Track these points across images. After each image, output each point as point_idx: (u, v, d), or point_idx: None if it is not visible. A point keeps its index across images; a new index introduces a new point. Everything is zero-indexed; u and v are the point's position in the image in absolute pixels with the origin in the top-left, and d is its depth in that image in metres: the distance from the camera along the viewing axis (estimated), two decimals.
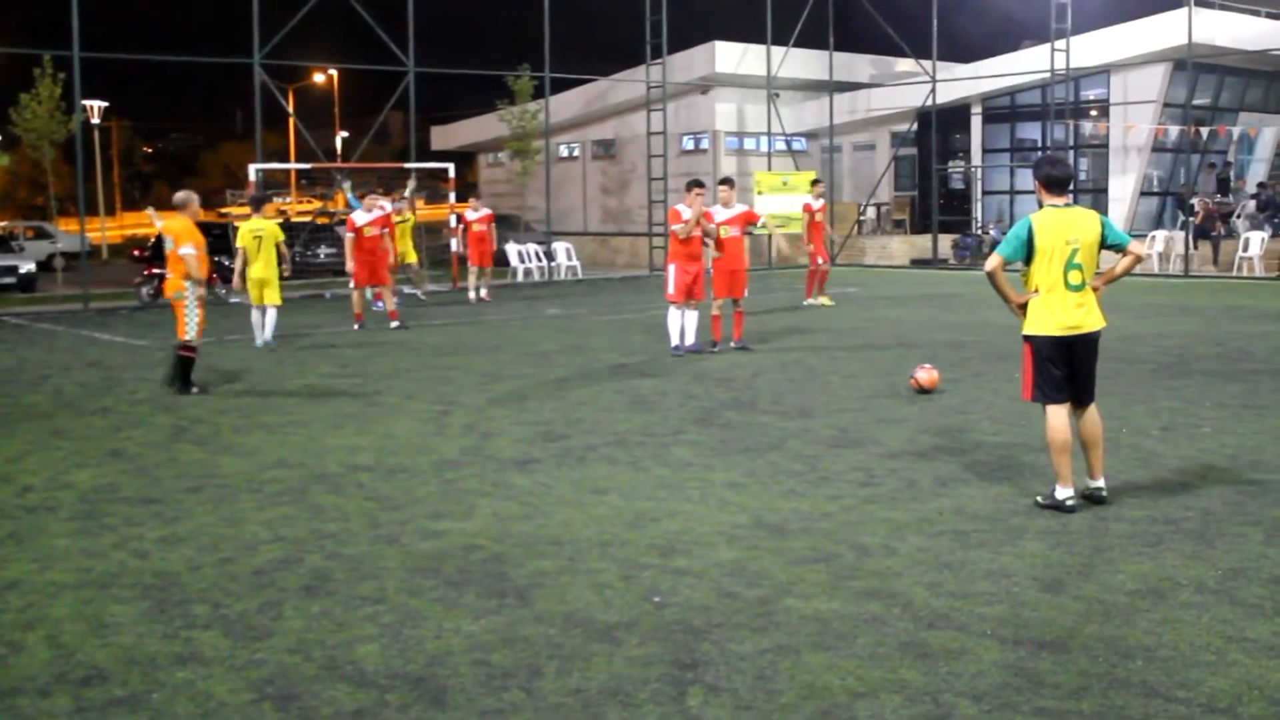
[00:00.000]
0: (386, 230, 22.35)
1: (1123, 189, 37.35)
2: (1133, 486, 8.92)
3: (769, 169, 39.13)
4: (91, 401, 14.07)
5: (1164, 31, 35.04)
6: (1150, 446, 10.30)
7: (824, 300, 24.05)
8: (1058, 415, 8.47)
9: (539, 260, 35.22)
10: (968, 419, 11.81)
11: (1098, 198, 38.46)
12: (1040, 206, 8.22)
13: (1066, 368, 8.43)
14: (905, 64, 42.09)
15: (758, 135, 42.04)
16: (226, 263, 31.26)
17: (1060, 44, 35.38)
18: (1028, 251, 8.39)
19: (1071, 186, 9.04)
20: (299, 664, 5.90)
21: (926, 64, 38.63)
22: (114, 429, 12.34)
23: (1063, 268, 8.31)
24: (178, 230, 14.27)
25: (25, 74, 31.48)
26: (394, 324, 21.81)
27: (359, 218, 22.14)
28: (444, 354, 17.95)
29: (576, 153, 48.71)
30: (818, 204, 24.35)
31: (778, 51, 39.03)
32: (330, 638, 6.22)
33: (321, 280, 32.46)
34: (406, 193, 29.41)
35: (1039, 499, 8.63)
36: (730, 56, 41.39)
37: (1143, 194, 37.73)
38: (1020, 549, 7.52)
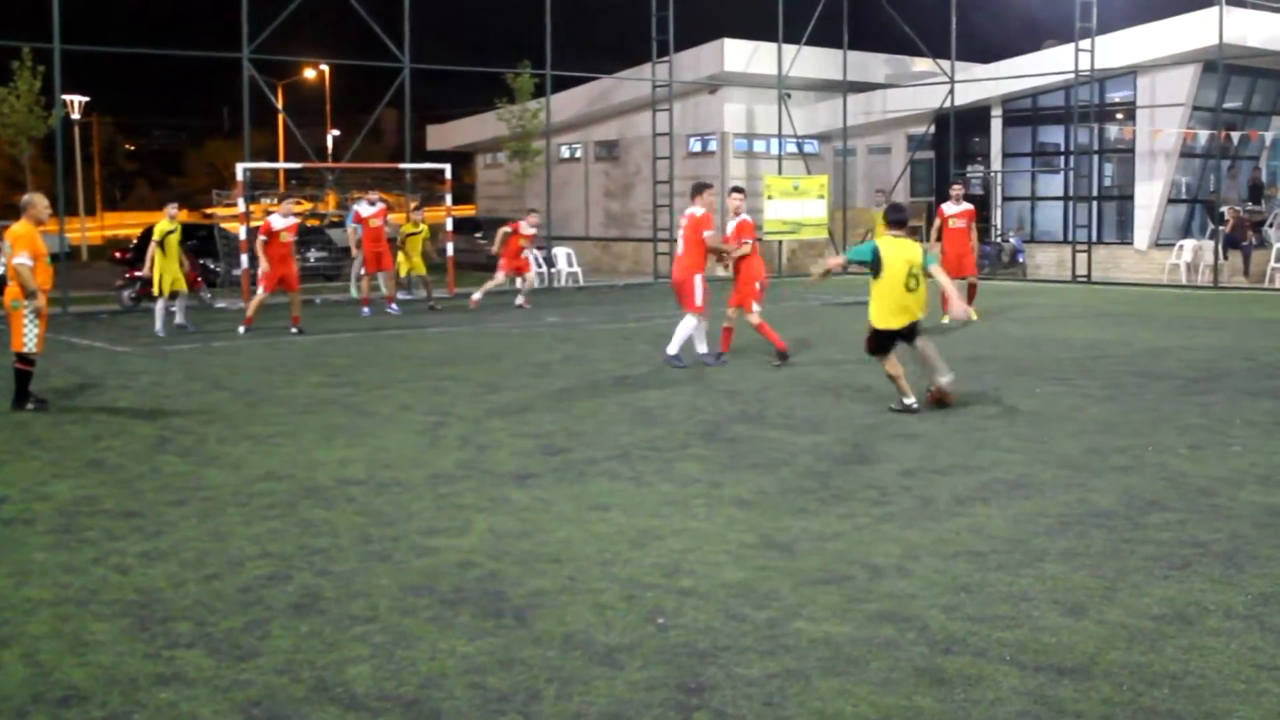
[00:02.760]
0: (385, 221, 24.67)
1: (1149, 196, 36.28)
2: (1159, 507, 8.85)
3: (779, 172, 38.68)
4: (70, 409, 13.87)
5: (1194, 31, 33.87)
6: (1178, 465, 10.21)
7: (972, 314, 22.29)
8: (888, 358, 12.83)
9: (539, 266, 34.63)
10: (985, 435, 11.68)
11: (1123, 205, 37.77)
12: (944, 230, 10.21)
13: (898, 339, 12.80)
14: (923, 64, 41.26)
15: (768, 137, 41.42)
16: (212, 265, 30.70)
17: (1085, 44, 34.62)
18: (876, 268, 12.75)
19: (908, 224, 13.19)
20: (287, 685, 5.82)
21: (945, 64, 38.05)
22: (94, 438, 12.18)
23: (903, 280, 12.65)
24: (14, 236, 13.45)
25: (3, 67, 31.23)
26: (391, 308, 24.57)
27: (364, 209, 24.75)
28: (440, 363, 17.68)
29: (578, 154, 48.05)
30: (960, 208, 23.37)
31: (789, 50, 38.69)
32: (319, 658, 6.14)
33: (312, 285, 31.68)
34: (414, 208, 29.13)
35: (891, 406, 12.83)
36: (740, 55, 40.77)
37: (1170, 201, 36.72)
38: (1040, 571, 7.43)
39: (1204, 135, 35.48)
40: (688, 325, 16.42)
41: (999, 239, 38.57)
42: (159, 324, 21.49)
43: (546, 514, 8.93)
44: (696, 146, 43.40)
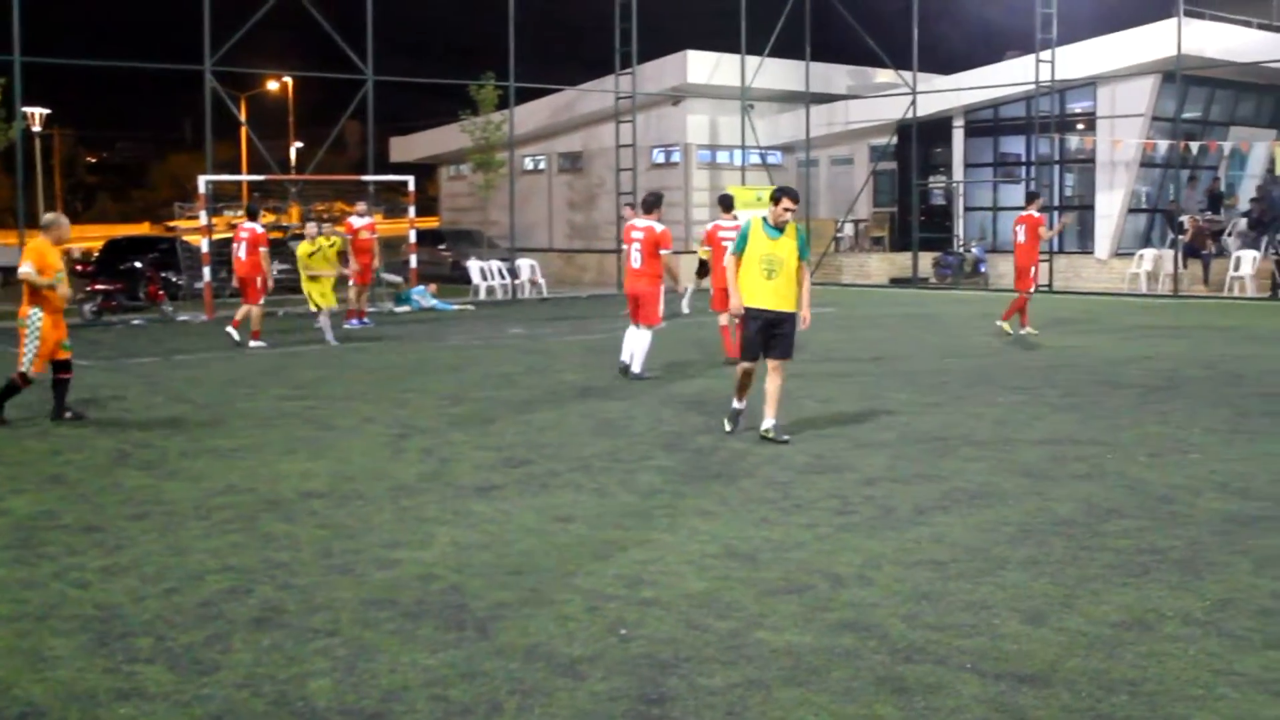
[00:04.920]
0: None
1: (1110, 205, 36.73)
2: (1118, 515, 8.91)
3: (743, 183, 38.73)
4: (29, 424, 13.63)
5: (1152, 43, 34.36)
6: (1137, 473, 10.29)
7: (1029, 329, 21.83)
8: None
9: (502, 278, 34.88)
10: (947, 444, 11.72)
11: (1084, 215, 37.96)
12: None
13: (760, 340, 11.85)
14: (885, 75, 41.45)
15: (731, 148, 41.80)
16: (175, 279, 30.41)
17: (1045, 55, 35.03)
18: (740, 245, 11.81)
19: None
20: (247, 700, 5.75)
21: (907, 75, 38.22)
22: (53, 453, 12.01)
23: (758, 262, 11.65)
24: (28, 249, 13.57)
25: None
26: (360, 321, 24.66)
27: (355, 221, 25.27)
28: (403, 375, 17.58)
29: (542, 165, 48.18)
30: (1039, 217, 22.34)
31: (752, 61, 38.97)
32: (280, 672, 6.06)
33: (276, 297, 30.93)
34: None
35: (726, 422, 12.34)
36: (703, 66, 40.95)
37: (1130, 211, 37.19)
38: (1001, 579, 7.45)
39: (1163, 145, 36.08)
40: (645, 339, 16.40)
41: (961, 249, 38.74)
42: (329, 335, 21.85)
43: (509, 526, 8.86)
44: (660, 158, 43.43)
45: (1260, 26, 37.92)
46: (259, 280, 21.81)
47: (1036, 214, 21.96)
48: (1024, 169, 38.98)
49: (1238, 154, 38.12)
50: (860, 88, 43.11)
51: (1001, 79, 37.55)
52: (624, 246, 16.84)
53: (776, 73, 40.08)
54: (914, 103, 38.04)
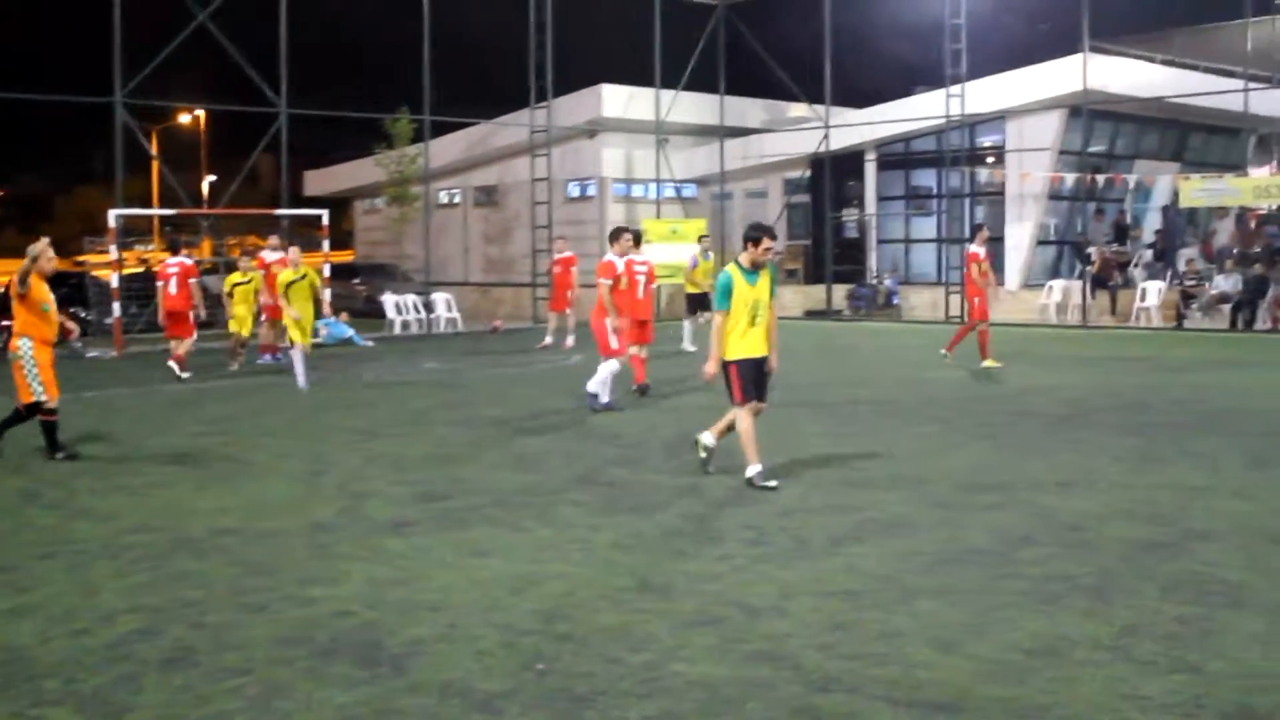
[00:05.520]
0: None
1: (1020, 237, 36.91)
2: (1029, 542, 9.03)
3: (658, 216, 38.97)
4: None
5: (1060, 78, 34.70)
6: (1048, 501, 10.42)
7: (990, 363, 21.48)
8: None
9: (417, 312, 34.47)
10: (861, 475, 11.77)
11: (995, 246, 36.85)
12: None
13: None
14: (798, 109, 41.55)
15: (646, 182, 41.62)
16: (84, 315, 29.88)
17: (955, 90, 35.24)
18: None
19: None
20: None
21: (820, 109, 38.47)
22: None
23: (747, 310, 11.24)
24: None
25: None
26: (265, 358, 24.32)
27: (268, 255, 25.03)
28: (318, 412, 17.38)
29: (457, 199, 47.77)
30: (983, 251, 22.23)
31: (666, 95, 38.94)
32: (193, 712, 6.01)
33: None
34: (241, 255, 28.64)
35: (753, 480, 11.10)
36: (618, 100, 40.87)
37: (1040, 243, 37.47)
38: (914, 609, 7.53)
39: (1070, 178, 36.31)
40: (600, 370, 16.49)
41: (875, 281, 38.85)
42: (301, 377, 20.05)
43: (425, 561, 8.82)
44: (575, 191, 43.07)
45: (1163, 62, 38.47)
46: (191, 314, 21.82)
47: (978, 249, 21.87)
48: (935, 201, 39.22)
49: (1142, 187, 38.55)
50: (774, 121, 43.17)
51: (912, 113, 37.74)
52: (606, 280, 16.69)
53: (691, 106, 40.22)
54: (827, 136, 38.28)
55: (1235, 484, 11.23)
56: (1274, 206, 35.22)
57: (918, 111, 37.47)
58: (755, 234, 10.97)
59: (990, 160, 38.07)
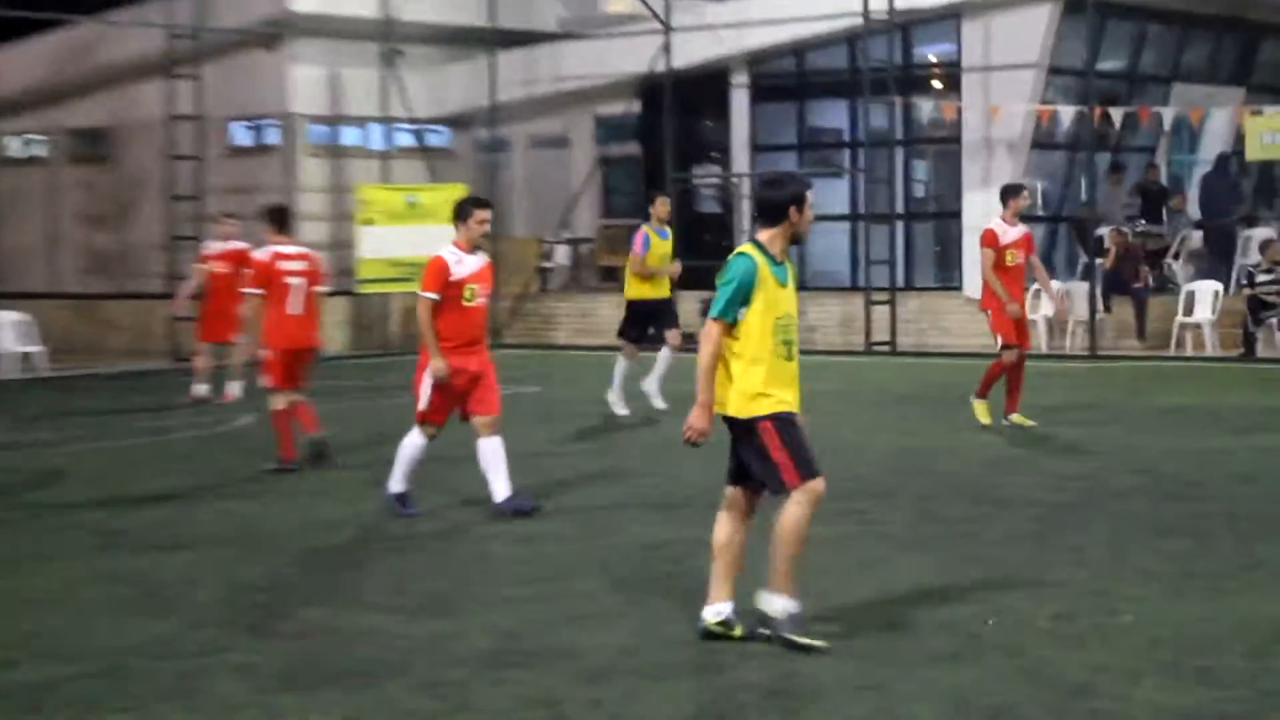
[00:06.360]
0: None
1: (985, 210, 26.46)
2: (1007, 716, 7.33)
3: (385, 180, 31.65)
4: None
5: None
6: (1037, 649, 8.29)
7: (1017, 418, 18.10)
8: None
9: None
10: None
11: (944, 228, 30.90)
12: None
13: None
14: (618, 2, 34.58)
15: (365, 122, 33.29)
16: None
17: None
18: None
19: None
20: None
21: (656, 1, 30.69)
22: None
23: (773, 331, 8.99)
24: None
25: None
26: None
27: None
28: None
29: (40, 152, 38.73)
30: (1016, 232, 18.01)
31: None
32: None
33: None
34: None
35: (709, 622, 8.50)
36: None
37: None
38: None
39: (1067, 114, 28.81)
40: (411, 443, 13.40)
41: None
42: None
43: None
44: (245, 138, 34.72)
45: None
46: None
47: (1000, 226, 17.77)
48: (847, 154, 31.94)
49: (1186, 128, 30.36)
50: (579, 22, 35.25)
51: (808, 6, 29.60)
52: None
53: None
54: (667, 45, 30.12)
55: None
56: None
57: (817, 4, 29.41)
58: (784, 199, 8.46)
59: (937, 86, 30.78)
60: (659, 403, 19.51)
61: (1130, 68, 30.73)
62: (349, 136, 34.13)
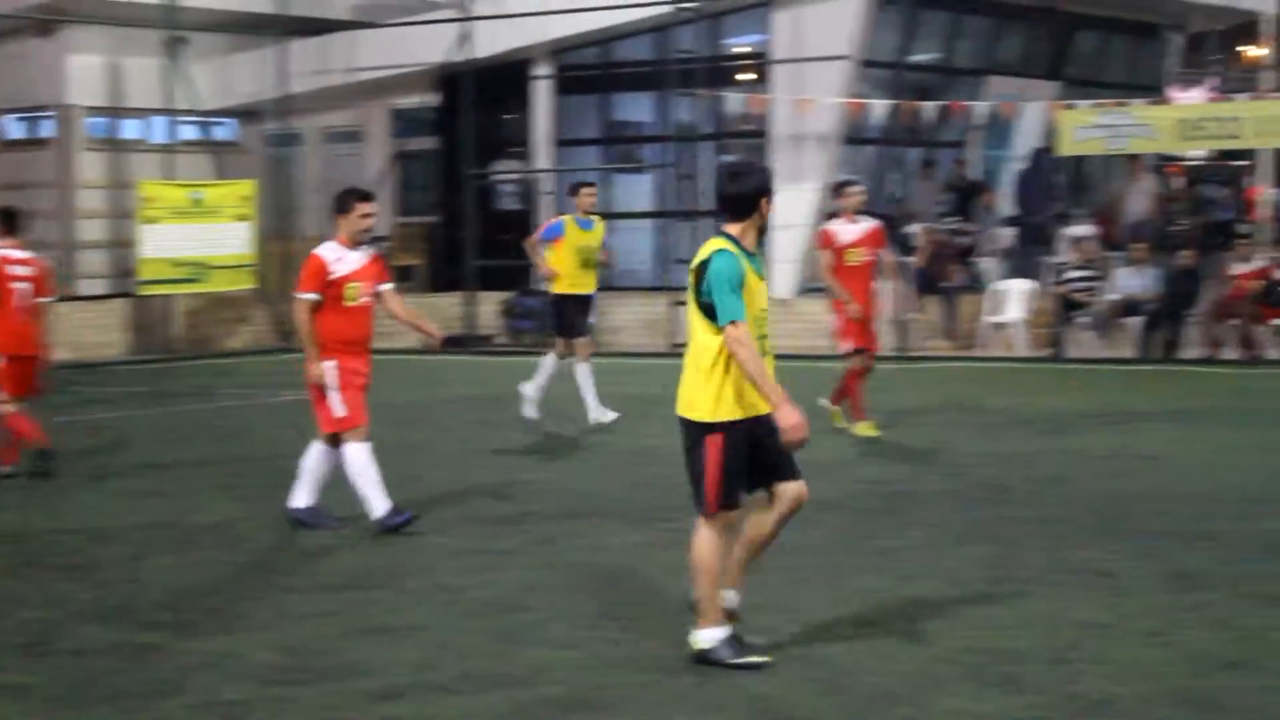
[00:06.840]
0: None
1: (793, 209, 27.07)
2: None
3: (168, 176, 30.02)
4: None
5: None
6: (838, 659, 8.44)
7: (862, 428, 17.43)
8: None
9: None
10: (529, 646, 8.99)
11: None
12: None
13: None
14: None
15: (147, 114, 32.23)
16: None
17: None
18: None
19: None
20: None
21: None
22: None
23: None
24: None
25: None
26: None
27: None
28: None
29: None
30: (857, 230, 17.43)
31: None
32: None
33: None
34: None
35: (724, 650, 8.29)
36: None
37: (827, 217, 27.00)
38: None
39: (879, 108, 28.95)
40: (310, 456, 12.97)
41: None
42: None
43: None
44: (18, 130, 33.63)
45: None
46: None
47: (835, 227, 17.54)
48: (652, 148, 31.72)
49: (999, 122, 30.47)
50: (375, 10, 34.37)
51: None
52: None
53: None
54: (467, 34, 29.99)
55: (1148, 620, 9.16)
56: (1212, 155, 31.30)
57: None
58: (754, 187, 8.34)
59: (746, 78, 30.71)
60: (607, 415, 18.77)
61: (945, 58, 30.96)
62: (130, 129, 33.20)
